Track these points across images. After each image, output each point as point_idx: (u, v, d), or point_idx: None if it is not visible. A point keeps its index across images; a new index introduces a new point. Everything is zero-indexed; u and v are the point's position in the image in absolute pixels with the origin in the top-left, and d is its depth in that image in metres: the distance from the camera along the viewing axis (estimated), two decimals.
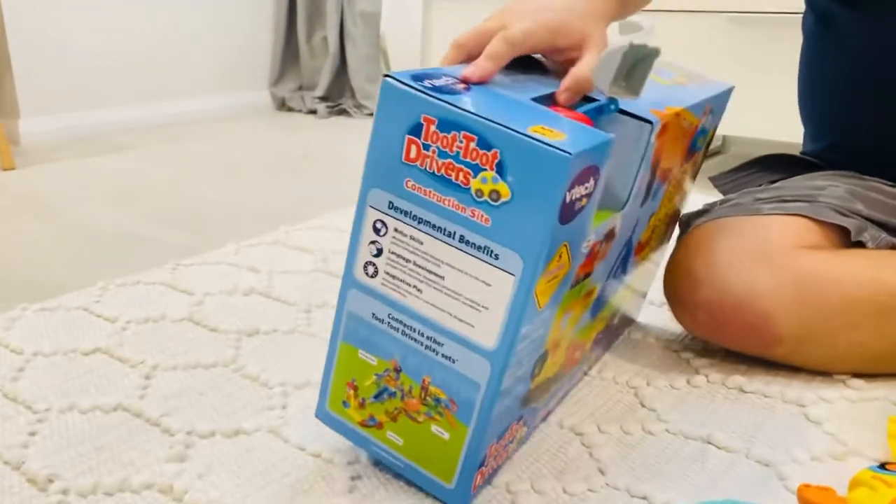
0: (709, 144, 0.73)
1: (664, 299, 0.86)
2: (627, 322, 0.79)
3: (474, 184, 0.41)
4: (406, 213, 0.45)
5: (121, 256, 1.02)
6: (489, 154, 0.40)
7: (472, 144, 0.41)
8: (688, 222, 0.80)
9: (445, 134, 0.41)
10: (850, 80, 0.77)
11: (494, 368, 0.44)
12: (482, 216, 0.42)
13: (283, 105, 2.49)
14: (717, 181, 0.87)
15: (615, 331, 0.74)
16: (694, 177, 0.74)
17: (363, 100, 2.40)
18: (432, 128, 0.42)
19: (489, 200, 0.41)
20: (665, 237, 0.76)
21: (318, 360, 0.72)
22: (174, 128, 2.10)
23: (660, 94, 0.56)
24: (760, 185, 0.82)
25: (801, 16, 0.87)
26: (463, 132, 0.41)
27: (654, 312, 0.85)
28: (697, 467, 0.56)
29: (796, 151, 0.89)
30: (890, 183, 0.76)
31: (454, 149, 0.41)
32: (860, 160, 0.78)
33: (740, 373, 0.71)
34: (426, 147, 0.42)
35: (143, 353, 0.72)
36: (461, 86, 0.45)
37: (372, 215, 0.46)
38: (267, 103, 2.50)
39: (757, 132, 1.44)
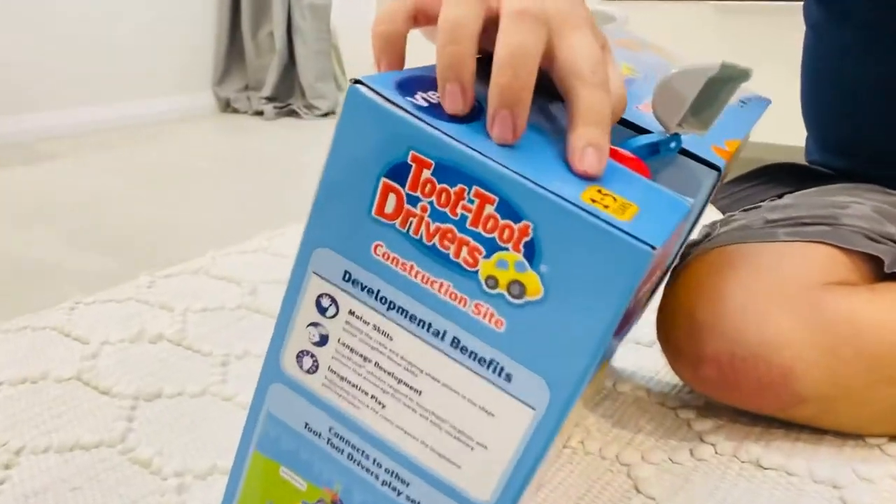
0: None
1: (653, 338, 0.71)
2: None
3: (485, 267, 0.26)
4: (370, 292, 0.29)
5: (20, 291, 0.82)
6: (515, 228, 0.25)
7: (490, 208, 0.25)
8: (684, 252, 0.65)
9: (446, 186, 0.26)
10: (875, 79, 0.64)
11: None
12: (492, 316, 0.26)
13: (227, 106, 2.27)
14: (714, 195, 0.71)
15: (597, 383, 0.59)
16: None
17: (313, 99, 2.20)
18: (426, 173, 0.26)
19: (506, 295, 0.26)
20: None
21: (230, 436, 0.55)
22: (106, 134, 1.86)
23: None
24: (764, 201, 0.67)
25: (800, 4, 0.72)
26: (475, 187, 0.25)
27: (642, 354, 0.70)
28: None
29: (795, 157, 0.75)
30: None
31: (458, 211, 0.26)
32: (887, 172, 0.65)
33: (754, 438, 0.56)
34: (412, 200, 0.27)
35: (9, 430, 0.54)
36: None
37: (316, 286, 0.30)
38: (210, 105, 2.26)
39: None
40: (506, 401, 0.27)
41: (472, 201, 0.25)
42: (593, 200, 0.24)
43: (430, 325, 0.28)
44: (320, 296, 0.30)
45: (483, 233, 0.25)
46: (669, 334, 0.58)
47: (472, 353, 0.27)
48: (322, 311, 0.30)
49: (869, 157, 0.67)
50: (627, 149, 0.33)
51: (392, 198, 0.27)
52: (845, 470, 0.52)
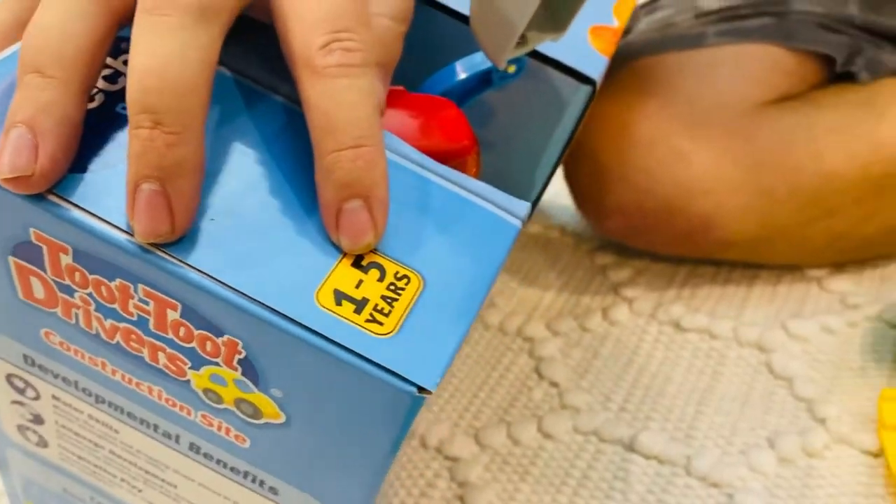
0: None
1: None
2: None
3: (198, 379, 0.20)
4: (67, 382, 0.23)
5: None
6: (218, 342, 0.19)
7: (174, 314, 0.19)
8: None
9: (101, 279, 0.19)
10: None
11: None
12: (229, 431, 0.21)
13: None
14: None
15: None
16: None
17: None
18: (65, 259, 0.19)
19: (237, 413, 0.20)
20: None
21: None
22: None
23: None
24: None
25: None
26: (142, 286, 0.18)
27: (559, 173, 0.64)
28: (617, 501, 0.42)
29: None
30: None
31: (132, 311, 0.19)
32: None
33: (677, 286, 0.54)
34: (66, 290, 0.20)
35: None
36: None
37: None
38: None
39: None
40: None
41: (145, 302, 0.18)
42: (339, 296, 0.18)
43: (156, 426, 0.22)
44: (9, 376, 0.24)
45: (177, 341, 0.19)
46: (572, 178, 0.53)
47: (219, 461, 0.22)
48: (19, 391, 0.24)
49: None
50: (437, 88, 0.25)
51: (37, 283, 0.20)
52: (775, 327, 0.51)
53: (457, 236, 0.19)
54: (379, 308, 0.17)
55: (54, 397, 0.23)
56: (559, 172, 0.55)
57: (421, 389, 0.17)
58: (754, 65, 0.50)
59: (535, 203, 0.32)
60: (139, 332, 0.19)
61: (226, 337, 0.18)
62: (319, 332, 0.17)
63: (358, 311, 0.17)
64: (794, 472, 0.43)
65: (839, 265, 0.55)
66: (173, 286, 0.17)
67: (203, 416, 0.20)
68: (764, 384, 0.48)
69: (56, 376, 0.22)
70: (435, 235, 0.19)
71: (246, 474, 0.22)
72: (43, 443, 0.26)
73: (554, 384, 0.48)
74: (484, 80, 0.25)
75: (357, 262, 0.18)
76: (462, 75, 0.25)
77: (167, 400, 0.21)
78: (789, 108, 0.49)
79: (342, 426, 0.18)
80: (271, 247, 0.18)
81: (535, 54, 0.27)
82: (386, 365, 0.17)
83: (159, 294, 0.18)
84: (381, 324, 0.17)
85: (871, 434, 0.44)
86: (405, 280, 0.18)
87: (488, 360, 0.50)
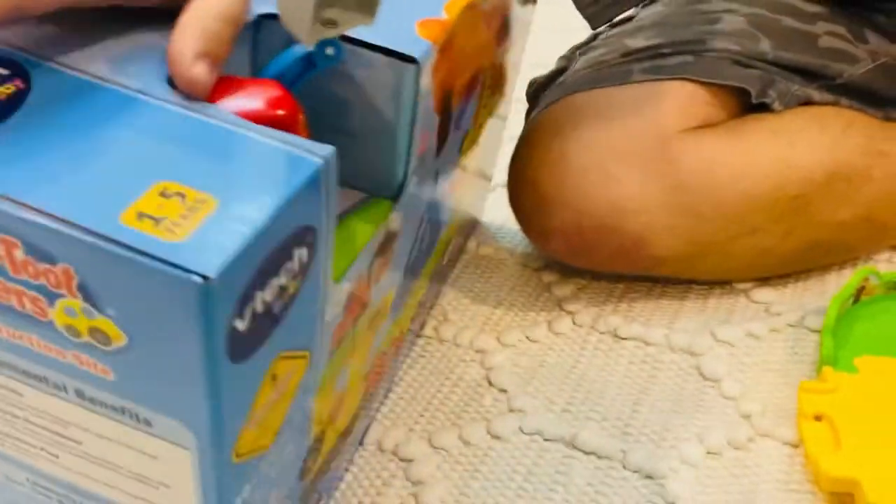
0: None
1: None
2: (470, 227, 0.57)
3: (57, 317, 0.19)
4: None
5: None
6: (57, 271, 0.18)
7: (18, 253, 0.18)
8: (535, 94, 0.57)
9: None
10: None
11: None
12: (95, 365, 0.20)
13: None
14: (581, 2, 0.61)
15: (454, 252, 0.54)
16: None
17: None
18: None
19: (95, 343, 0.19)
20: (500, 92, 0.51)
21: None
22: None
23: None
24: (639, 4, 0.58)
25: None
26: None
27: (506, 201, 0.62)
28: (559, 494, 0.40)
29: None
30: None
31: None
32: None
33: (615, 300, 0.53)
34: None
35: None
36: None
37: None
38: None
39: None
40: (157, 443, 0.21)
41: None
42: (140, 215, 0.18)
43: (45, 378, 0.21)
44: None
45: (30, 280, 0.18)
46: (516, 202, 0.52)
47: (101, 402, 0.21)
48: None
49: None
50: (266, 74, 0.25)
51: None
52: (704, 334, 0.49)
53: (256, 171, 0.20)
54: (175, 222, 0.18)
55: None
56: (505, 199, 0.54)
57: (205, 279, 0.17)
58: (675, 98, 0.49)
59: (403, 181, 0.31)
60: (3, 280, 0.18)
61: (60, 265, 0.18)
62: (116, 239, 0.17)
63: (155, 225, 0.18)
64: (722, 462, 0.41)
65: (765, 279, 0.53)
66: (9, 224, 0.17)
67: (74, 355, 0.19)
68: (694, 385, 0.46)
69: None
70: (236, 172, 0.20)
71: (123, 410, 0.20)
72: None
73: (503, 390, 0.46)
74: (308, 63, 0.25)
75: (163, 193, 0.19)
76: (288, 60, 0.25)
77: (45, 347, 0.20)
78: (710, 133, 0.49)
79: (162, 336, 0.18)
80: (88, 185, 0.18)
81: (365, 45, 0.27)
82: (172, 260, 0.17)
83: (4, 235, 0.17)
84: (174, 233, 0.18)
85: (791, 428, 0.42)
86: (203, 203, 0.19)
87: (442, 370, 0.48)
